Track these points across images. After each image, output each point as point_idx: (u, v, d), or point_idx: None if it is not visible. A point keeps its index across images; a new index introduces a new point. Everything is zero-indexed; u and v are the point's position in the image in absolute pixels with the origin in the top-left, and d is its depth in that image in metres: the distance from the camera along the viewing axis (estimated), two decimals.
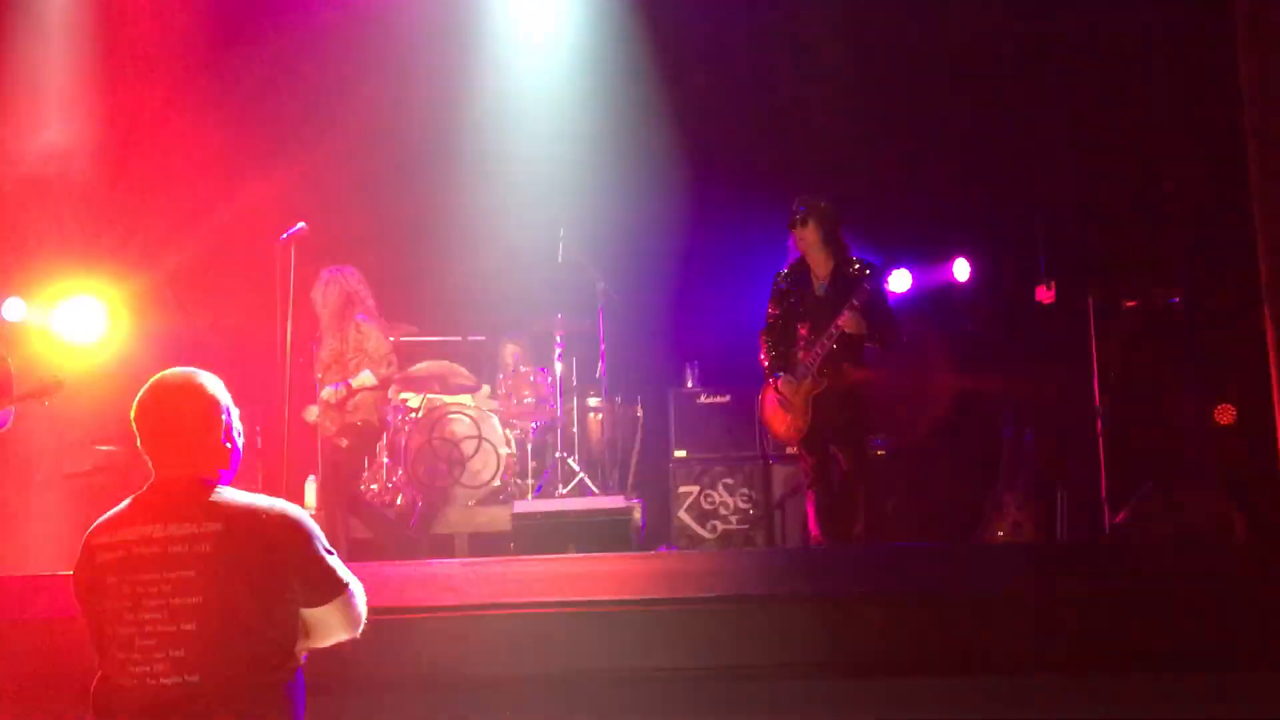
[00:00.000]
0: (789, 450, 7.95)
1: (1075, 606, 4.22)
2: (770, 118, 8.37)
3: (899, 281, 8.17)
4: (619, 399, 8.03)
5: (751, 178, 8.18)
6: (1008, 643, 4.16)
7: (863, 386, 5.86)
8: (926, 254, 8.25)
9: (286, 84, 7.92)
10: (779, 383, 5.85)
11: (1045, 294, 7.09)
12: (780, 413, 5.96)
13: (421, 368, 7.88)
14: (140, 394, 2.70)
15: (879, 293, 5.88)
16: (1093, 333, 6.90)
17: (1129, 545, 5.72)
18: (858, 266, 5.91)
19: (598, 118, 8.23)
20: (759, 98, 8.36)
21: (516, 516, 6.04)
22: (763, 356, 6.04)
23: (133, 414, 2.70)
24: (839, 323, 5.67)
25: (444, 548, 7.33)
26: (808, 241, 5.90)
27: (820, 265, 5.93)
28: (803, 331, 5.87)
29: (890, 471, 7.97)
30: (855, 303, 5.66)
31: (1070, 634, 4.19)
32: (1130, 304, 7.06)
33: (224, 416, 2.72)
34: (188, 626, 2.49)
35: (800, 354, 5.83)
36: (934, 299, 8.13)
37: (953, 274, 8.07)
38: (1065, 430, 7.23)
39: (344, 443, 6.58)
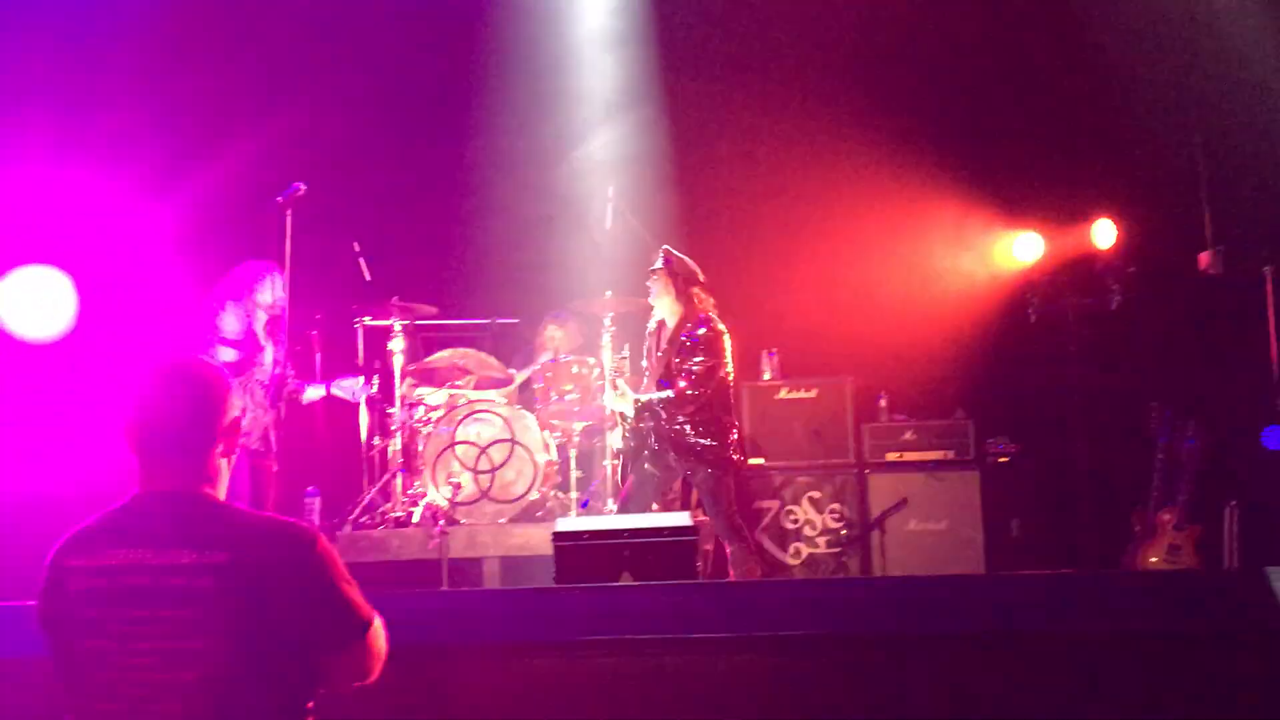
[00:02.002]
0: (889, 457, 7.95)
1: (1246, 652, 4.13)
2: (878, 63, 8.39)
3: (1027, 249, 8.12)
4: None
5: (844, 130, 8.18)
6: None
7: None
8: (1061, 214, 8.18)
9: (285, 26, 8.09)
10: None
11: (1210, 263, 6.98)
12: None
13: (441, 357, 7.93)
14: (133, 383, 2.68)
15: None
16: (1270, 310, 6.78)
17: None
18: (686, 339, 6.71)
19: (658, 62, 8.30)
20: (861, 41, 8.38)
21: (558, 537, 6.05)
22: None
23: (122, 409, 2.66)
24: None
25: (471, 574, 7.39)
26: (653, 293, 6.88)
27: (667, 318, 6.86)
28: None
29: (1015, 484, 7.92)
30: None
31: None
32: None
33: (232, 418, 2.71)
34: (186, 675, 2.47)
35: None
36: (1070, 269, 8.04)
37: (1093, 239, 7.97)
38: (1236, 432, 7.12)
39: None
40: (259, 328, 6.84)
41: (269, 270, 6.80)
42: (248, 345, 6.77)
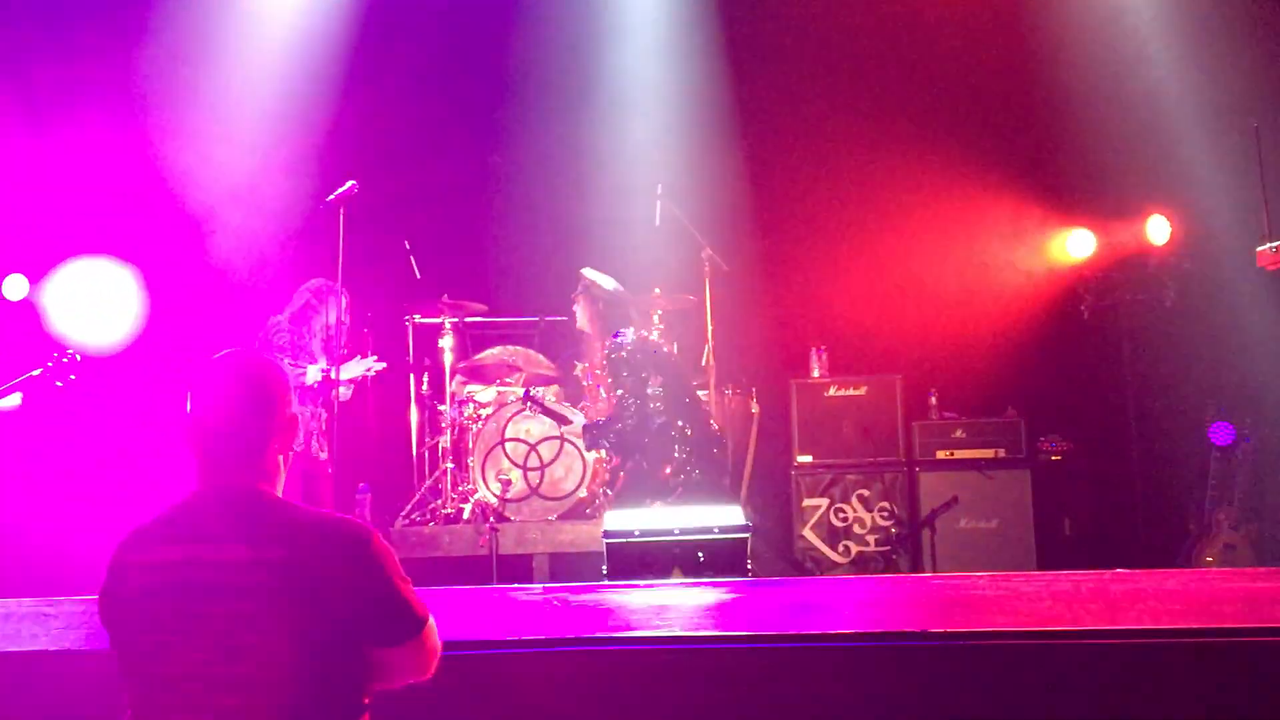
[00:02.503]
0: (939, 455, 7.91)
1: None
2: (929, 59, 8.36)
3: (1079, 246, 8.05)
4: (729, 391, 8.01)
5: (894, 125, 8.15)
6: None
7: None
8: (1114, 210, 8.10)
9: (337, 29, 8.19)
10: None
11: (1270, 259, 6.86)
12: None
13: (491, 354, 7.97)
14: (192, 381, 2.69)
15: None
16: None
17: None
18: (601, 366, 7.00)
19: (706, 53, 8.29)
20: (913, 37, 8.35)
21: (608, 534, 6.06)
22: None
23: (181, 407, 2.68)
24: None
25: (521, 571, 7.42)
26: (580, 318, 7.16)
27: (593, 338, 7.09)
28: None
29: (1067, 482, 7.85)
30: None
31: None
32: None
33: (290, 415, 2.73)
34: (243, 670, 2.49)
35: None
36: (1124, 265, 7.95)
37: (1147, 235, 7.89)
38: None
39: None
40: (315, 346, 6.92)
41: (332, 291, 6.87)
42: (301, 356, 6.86)
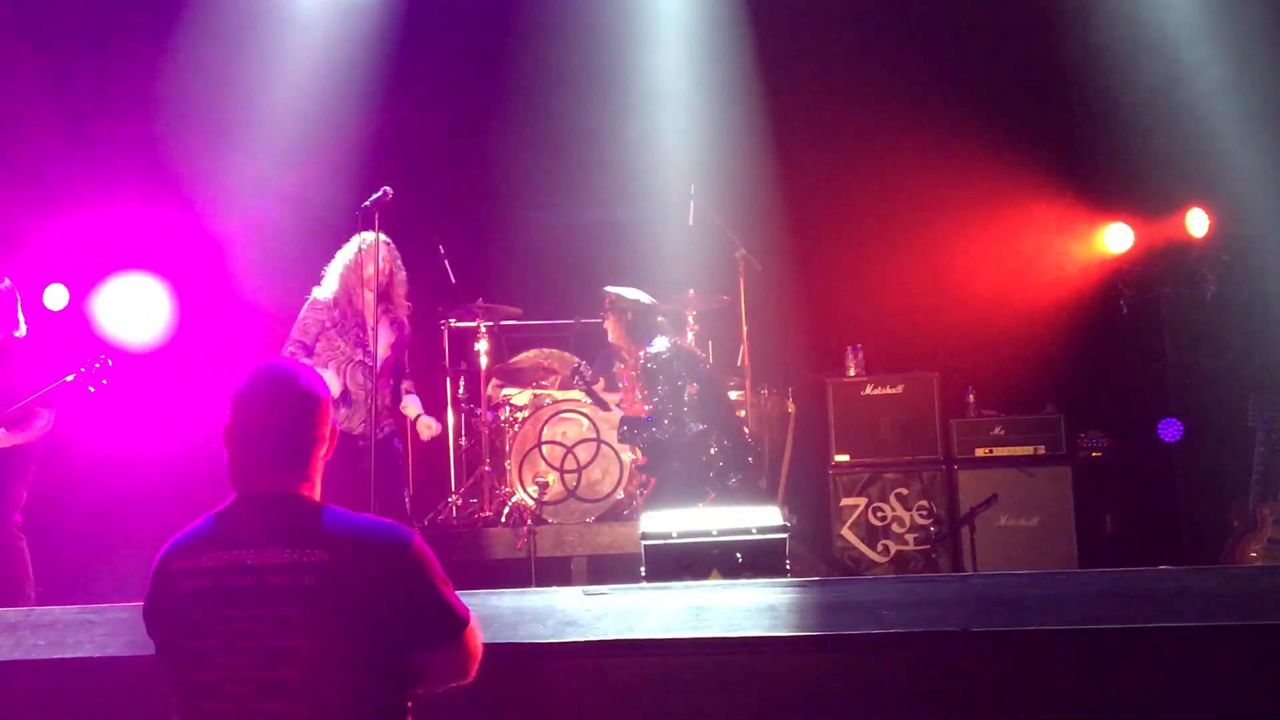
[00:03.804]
0: (978, 453, 7.86)
1: None
2: (963, 55, 8.35)
3: (1117, 240, 8.01)
4: (765, 390, 8.00)
5: (929, 120, 8.11)
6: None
7: None
8: (1152, 204, 8.03)
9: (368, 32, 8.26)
10: None
11: None
12: None
13: (527, 357, 8.00)
14: (240, 388, 2.71)
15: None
16: None
17: None
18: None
19: (737, 51, 8.28)
20: (945, 33, 8.32)
21: (646, 535, 6.07)
22: None
23: (222, 413, 2.70)
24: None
25: (559, 573, 7.44)
26: (611, 334, 7.02)
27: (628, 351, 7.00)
28: None
29: (1108, 478, 7.79)
30: None
31: None
32: None
33: (330, 423, 2.74)
34: (289, 674, 2.51)
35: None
36: (1162, 259, 7.88)
37: (1187, 227, 7.82)
38: None
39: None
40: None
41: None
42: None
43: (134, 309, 7.73)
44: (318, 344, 6.23)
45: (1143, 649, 4.01)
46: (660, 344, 6.82)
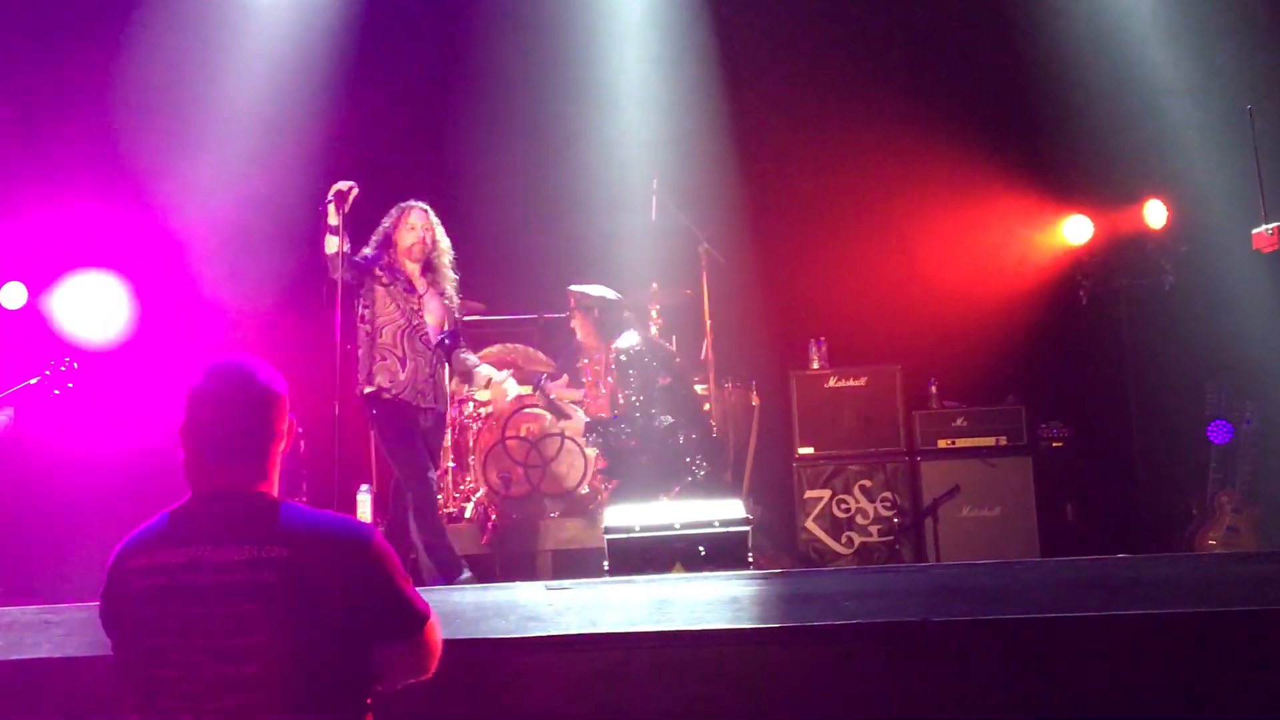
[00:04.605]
0: (940, 444, 7.91)
1: None
2: (923, 48, 8.39)
3: (1077, 232, 8.07)
4: (729, 384, 8.02)
5: (890, 114, 8.15)
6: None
7: None
8: (1110, 195, 8.10)
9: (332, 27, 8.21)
10: None
11: (1266, 241, 6.86)
12: None
13: (491, 353, 7.96)
14: (195, 385, 2.68)
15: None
16: None
17: None
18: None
19: (700, 46, 8.29)
20: (905, 27, 8.35)
21: (609, 530, 6.07)
22: None
23: (179, 410, 2.68)
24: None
25: (524, 568, 7.43)
26: (579, 333, 7.01)
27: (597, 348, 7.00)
28: None
29: (1069, 468, 7.85)
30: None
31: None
32: None
33: (288, 419, 2.74)
34: (246, 670, 2.50)
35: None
36: (1121, 250, 7.95)
37: (1145, 219, 7.89)
38: None
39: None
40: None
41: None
42: None
43: (92, 307, 7.67)
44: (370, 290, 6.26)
45: (1103, 637, 4.04)
46: (631, 338, 6.82)
